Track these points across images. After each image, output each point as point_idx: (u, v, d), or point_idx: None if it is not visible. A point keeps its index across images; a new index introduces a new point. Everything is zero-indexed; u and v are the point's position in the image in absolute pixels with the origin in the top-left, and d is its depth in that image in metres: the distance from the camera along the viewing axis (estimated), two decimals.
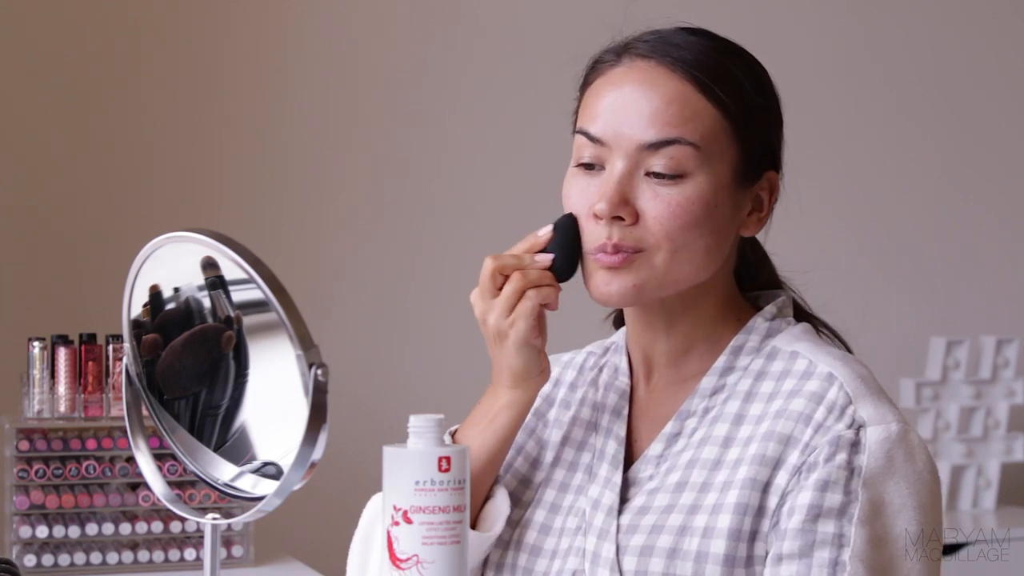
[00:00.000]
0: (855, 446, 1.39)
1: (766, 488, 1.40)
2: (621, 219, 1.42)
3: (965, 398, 3.40)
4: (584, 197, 1.45)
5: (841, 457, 1.38)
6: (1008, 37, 3.67)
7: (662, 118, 1.42)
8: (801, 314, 1.56)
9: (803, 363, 1.45)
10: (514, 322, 1.46)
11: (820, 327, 1.55)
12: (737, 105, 1.44)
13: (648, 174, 1.42)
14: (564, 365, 1.62)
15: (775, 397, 1.45)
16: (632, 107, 1.43)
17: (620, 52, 1.47)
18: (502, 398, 1.50)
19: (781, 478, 1.40)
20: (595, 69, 1.49)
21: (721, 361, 1.49)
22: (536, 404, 1.58)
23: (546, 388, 1.59)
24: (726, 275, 1.50)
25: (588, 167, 1.46)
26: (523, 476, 1.56)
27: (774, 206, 1.51)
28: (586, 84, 1.49)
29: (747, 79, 1.45)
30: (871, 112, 3.56)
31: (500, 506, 1.52)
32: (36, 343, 2.50)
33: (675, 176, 1.42)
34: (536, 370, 1.49)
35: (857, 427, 1.39)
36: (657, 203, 1.42)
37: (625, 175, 1.43)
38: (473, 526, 1.50)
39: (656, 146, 1.42)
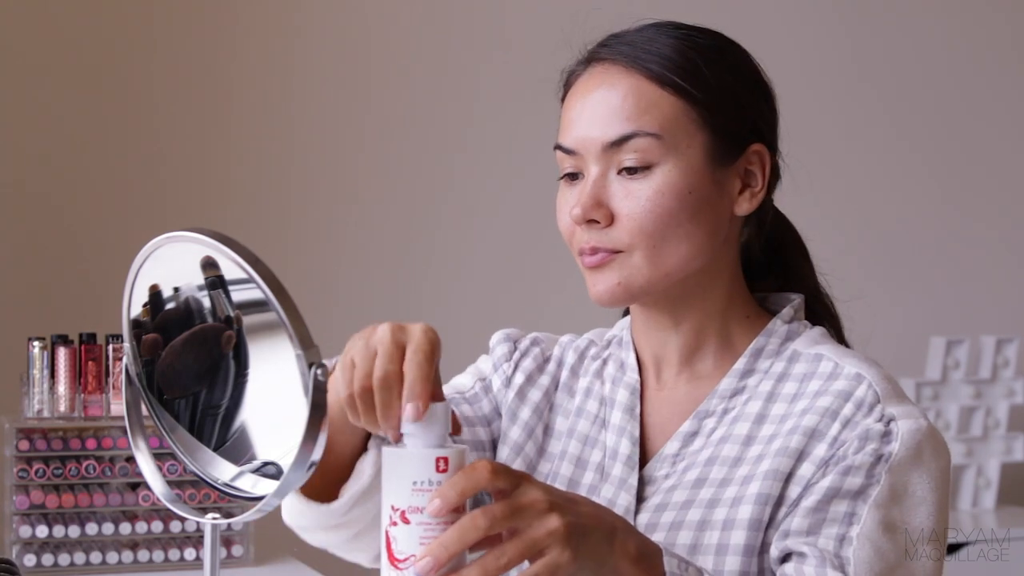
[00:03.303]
0: (886, 436, 1.39)
1: (788, 479, 1.40)
2: (596, 222, 1.44)
3: (965, 398, 3.40)
4: (568, 206, 1.47)
5: (871, 447, 1.39)
6: (1008, 37, 3.68)
7: (620, 114, 1.44)
8: (814, 318, 1.56)
9: (829, 365, 1.46)
10: None
11: (831, 330, 1.56)
12: (698, 88, 1.45)
13: (620, 172, 1.44)
14: (564, 346, 1.62)
15: (799, 397, 1.45)
16: (595, 111, 1.46)
17: (586, 61, 1.50)
18: None
19: (806, 469, 1.40)
20: (567, 82, 1.52)
21: (741, 363, 1.49)
22: (544, 384, 1.59)
23: (551, 367, 1.60)
24: (730, 261, 1.51)
25: (572, 176, 1.48)
26: (531, 461, 1.55)
27: (774, 182, 1.52)
28: (562, 98, 1.52)
29: (710, 61, 1.46)
30: (871, 111, 3.56)
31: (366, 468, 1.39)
32: (36, 343, 2.50)
33: (643, 168, 1.43)
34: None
35: (887, 420, 1.40)
36: (629, 201, 1.43)
37: (598, 178, 1.45)
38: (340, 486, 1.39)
39: (618, 143, 1.44)
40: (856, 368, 1.44)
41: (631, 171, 1.43)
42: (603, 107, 1.45)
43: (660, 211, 1.43)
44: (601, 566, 1.22)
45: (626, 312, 1.60)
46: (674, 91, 1.44)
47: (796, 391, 1.46)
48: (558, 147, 1.49)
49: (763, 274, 1.58)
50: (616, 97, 1.45)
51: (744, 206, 1.49)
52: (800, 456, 1.41)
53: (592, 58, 1.49)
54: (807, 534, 1.37)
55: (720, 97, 1.46)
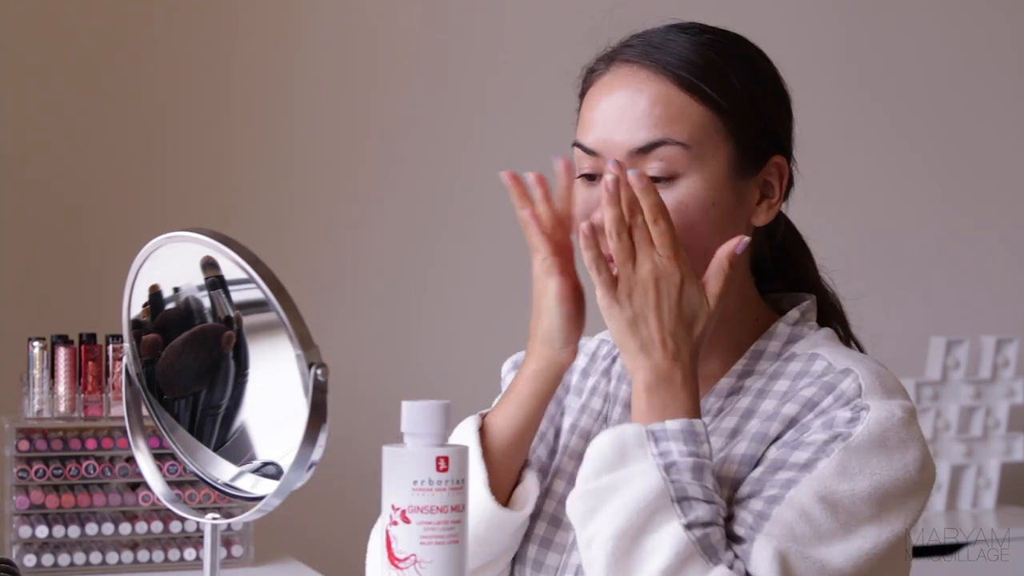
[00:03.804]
0: (851, 422, 1.37)
1: (759, 463, 1.40)
2: None
3: (965, 398, 3.40)
4: (587, 207, 1.45)
5: (831, 432, 1.37)
6: (1008, 37, 3.67)
7: (648, 121, 1.42)
8: (824, 319, 1.56)
9: (822, 364, 1.45)
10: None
11: (840, 330, 1.55)
12: (726, 98, 1.43)
13: None
14: None
15: (789, 394, 1.44)
16: (620, 114, 1.44)
17: (609, 59, 1.48)
18: (525, 369, 1.50)
19: (772, 451, 1.40)
20: (587, 79, 1.50)
21: (740, 365, 1.49)
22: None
23: None
24: (742, 268, 1.49)
25: (589, 177, 1.46)
26: (543, 464, 1.56)
27: (788, 190, 1.51)
28: (582, 94, 1.50)
29: (737, 70, 1.45)
30: (872, 111, 3.56)
31: (529, 487, 1.50)
32: (36, 343, 2.50)
33: (667, 178, 1.42)
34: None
35: (859, 409, 1.38)
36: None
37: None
38: (504, 504, 1.50)
39: (645, 150, 1.42)
40: (847, 364, 1.43)
41: (655, 180, 1.41)
42: (630, 111, 1.43)
43: (683, 223, 1.41)
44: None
45: None
46: (702, 100, 1.43)
47: (787, 388, 1.45)
48: (578, 145, 1.47)
49: (770, 275, 1.57)
50: (644, 102, 1.43)
51: (762, 217, 1.48)
52: (774, 442, 1.40)
53: (615, 57, 1.47)
54: (747, 498, 1.36)
55: (746, 109, 1.45)
